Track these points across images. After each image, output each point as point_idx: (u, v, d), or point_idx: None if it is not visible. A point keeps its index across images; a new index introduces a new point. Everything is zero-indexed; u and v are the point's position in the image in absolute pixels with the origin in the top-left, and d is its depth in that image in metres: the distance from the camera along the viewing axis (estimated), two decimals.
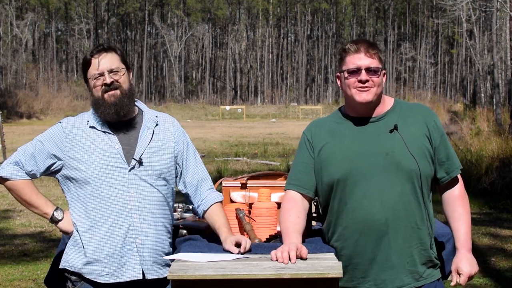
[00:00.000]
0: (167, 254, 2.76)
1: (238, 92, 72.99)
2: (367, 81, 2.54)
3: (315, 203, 2.92)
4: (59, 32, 72.10)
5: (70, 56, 70.38)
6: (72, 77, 64.68)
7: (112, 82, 2.68)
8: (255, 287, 2.23)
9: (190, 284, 2.22)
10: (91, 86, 2.71)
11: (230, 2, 73.41)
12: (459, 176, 2.65)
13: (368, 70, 2.55)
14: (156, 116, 2.82)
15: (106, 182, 2.65)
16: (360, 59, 2.55)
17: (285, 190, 2.71)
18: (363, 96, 2.55)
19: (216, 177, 10.98)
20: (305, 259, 2.36)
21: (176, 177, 2.84)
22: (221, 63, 77.08)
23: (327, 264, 2.30)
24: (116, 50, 2.75)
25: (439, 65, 71.18)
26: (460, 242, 2.59)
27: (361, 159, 2.54)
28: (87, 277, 2.69)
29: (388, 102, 2.66)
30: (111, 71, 2.68)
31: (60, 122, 2.78)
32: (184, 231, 2.94)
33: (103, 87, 2.68)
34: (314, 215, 2.98)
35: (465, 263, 2.56)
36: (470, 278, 2.58)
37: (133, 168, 2.68)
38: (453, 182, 2.63)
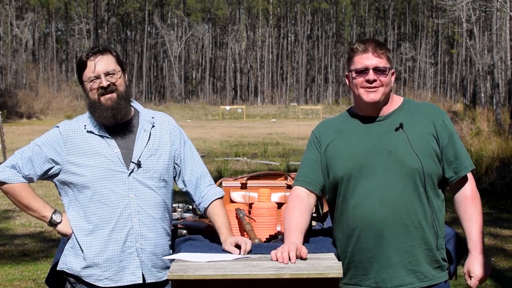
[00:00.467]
0: None
1: (238, 92, 72.98)
2: (374, 80, 2.54)
3: (315, 204, 2.91)
4: (59, 32, 72.10)
5: (70, 56, 70.36)
6: (72, 77, 64.59)
7: (108, 85, 2.65)
8: (255, 287, 2.23)
9: (190, 284, 2.22)
10: (87, 89, 2.68)
11: (230, 2, 73.41)
12: (470, 176, 2.62)
13: (376, 69, 2.55)
14: (152, 117, 2.80)
15: (106, 187, 2.64)
16: (368, 59, 2.55)
17: (292, 187, 2.71)
18: (371, 96, 2.56)
19: (216, 177, 10.96)
20: (305, 259, 2.36)
21: (175, 176, 2.84)
22: (221, 63, 77.07)
23: (327, 264, 2.30)
24: (111, 52, 2.72)
25: (439, 65, 71.18)
26: (472, 244, 2.57)
27: (365, 157, 2.55)
28: (86, 280, 2.68)
29: (396, 101, 2.66)
30: (107, 74, 2.66)
31: (57, 127, 2.75)
32: (184, 231, 2.94)
33: (99, 90, 2.65)
34: (314, 215, 2.98)
35: (477, 266, 2.54)
36: (482, 281, 2.56)
37: (132, 171, 2.67)
38: (463, 182, 2.61)
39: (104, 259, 2.66)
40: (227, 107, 55.76)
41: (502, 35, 33.05)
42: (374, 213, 2.51)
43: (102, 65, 2.66)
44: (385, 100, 2.61)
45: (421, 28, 72.72)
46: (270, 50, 73.63)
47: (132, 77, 63.97)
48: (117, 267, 2.66)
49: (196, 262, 2.35)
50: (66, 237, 2.75)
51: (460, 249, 2.79)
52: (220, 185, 3.12)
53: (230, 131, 31.99)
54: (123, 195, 2.65)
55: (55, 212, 2.73)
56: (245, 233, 2.79)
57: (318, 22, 74.98)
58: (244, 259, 2.41)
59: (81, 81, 2.73)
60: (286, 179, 3.21)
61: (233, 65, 74.25)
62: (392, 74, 2.61)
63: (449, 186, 2.64)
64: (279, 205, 2.98)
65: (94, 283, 2.67)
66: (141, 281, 2.69)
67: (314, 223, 2.99)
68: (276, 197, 3.03)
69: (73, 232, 2.71)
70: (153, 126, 2.77)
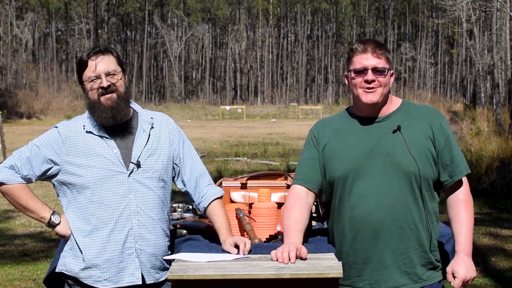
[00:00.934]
0: None
1: (238, 92, 72.98)
2: (373, 81, 2.55)
3: (315, 203, 2.92)
4: (59, 32, 72.10)
5: (70, 56, 70.35)
6: (72, 77, 64.58)
7: (109, 86, 2.64)
8: (255, 287, 2.23)
9: (190, 284, 2.22)
10: (87, 89, 2.67)
11: (230, 2, 73.40)
12: (464, 180, 2.62)
13: (375, 70, 2.55)
14: (151, 118, 2.79)
15: (105, 188, 2.63)
16: (367, 59, 2.56)
17: (291, 186, 2.71)
18: (369, 97, 2.56)
19: (216, 177, 10.96)
20: (305, 259, 2.36)
21: (174, 176, 2.83)
22: (221, 63, 77.07)
23: (327, 264, 2.30)
24: (113, 52, 2.70)
25: (439, 65, 71.18)
26: (460, 246, 2.58)
27: (363, 158, 2.55)
28: (85, 282, 2.67)
29: (395, 103, 2.67)
30: (108, 74, 2.64)
31: (56, 127, 2.72)
32: (184, 231, 2.94)
33: (100, 90, 2.64)
34: (314, 215, 2.98)
35: (461, 267, 2.55)
36: (466, 283, 2.56)
37: (132, 172, 2.66)
38: (457, 186, 2.61)
39: (104, 260, 2.65)
40: (227, 107, 55.77)
41: (502, 35, 33.05)
42: (370, 214, 2.52)
43: (103, 65, 2.64)
44: (384, 101, 2.61)
45: (421, 28, 72.72)
46: (270, 50, 73.63)
47: (132, 77, 63.95)
48: (116, 268, 2.66)
49: (196, 262, 2.35)
50: (64, 238, 2.73)
51: None
52: (220, 185, 3.11)
53: (230, 131, 31.99)
54: (123, 196, 2.65)
55: (53, 213, 2.71)
56: (245, 233, 2.79)
57: (318, 22, 74.99)
58: (244, 259, 2.41)
59: (80, 81, 2.71)
60: (286, 179, 3.20)
61: (233, 65, 74.25)
62: (391, 75, 2.62)
63: (444, 189, 2.65)
64: (279, 205, 2.98)
65: (93, 285, 2.66)
66: (140, 282, 2.68)
67: (314, 223, 2.99)
68: (276, 197, 3.03)
69: (71, 233, 2.69)
70: (152, 127, 2.76)
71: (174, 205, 3.28)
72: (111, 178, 2.64)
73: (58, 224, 2.70)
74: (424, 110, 2.68)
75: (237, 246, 2.50)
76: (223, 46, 77.16)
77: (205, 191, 2.80)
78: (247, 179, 3.14)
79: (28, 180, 2.70)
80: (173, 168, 2.81)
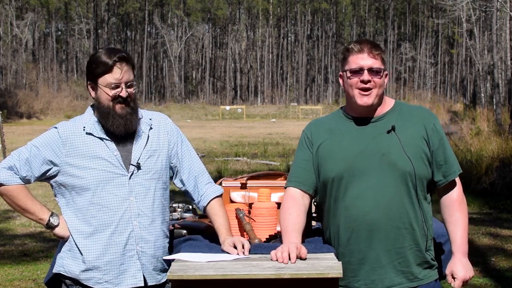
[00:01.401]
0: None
1: (238, 92, 72.98)
2: (369, 81, 2.55)
3: (315, 203, 2.92)
4: (59, 32, 72.09)
5: (70, 56, 70.39)
6: (72, 77, 64.70)
7: (127, 97, 2.62)
8: (255, 287, 2.23)
9: (190, 284, 2.22)
10: (102, 93, 2.61)
11: (230, 2, 73.40)
12: (457, 180, 2.65)
13: (371, 70, 2.55)
14: (150, 119, 2.78)
15: (106, 190, 2.62)
16: (363, 59, 2.56)
17: (285, 188, 2.71)
18: (364, 100, 2.56)
19: (216, 177, 10.97)
20: (305, 259, 2.36)
21: (172, 176, 2.83)
22: (221, 63, 77.07)
23: (327, 264, 2.31)
24: (132, 61, 2.67)
25: (439, 65, 71.17)
26: (456, 247, 2.60)
27: (358, 158, 2.56)
28: (85, 283, 2.66)
29: (388, 103, 2.67)
30: (128, 85, 2.62)
31: (56, 128, 2.69)
32: (184, 231, 2.94)
33: (118, 98, 2.60)
34: (314, 215, 2.97)
35: (459, 268, 2.57)
36: (465, 282, 2.59)
37: (132, 174, 2.66)
38: (451, 186, 2.63)
39: (105, 262, 2.64)
40: (227, 107, 55.77)
41: (502, 35, 33.05)
42: (366, 214, 2.52)
43: (126, 75, 2.61)
44: (379, 101, 2.62)
45: (421, 28, 72.71)
46: (270, 50, 73.63)
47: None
48: (117, 270, 2.65)
49: (196, 262, 2.35)
50: (63, 239, 2.72)
51: None
52: (220, 185, 3.11)
53: (230, 131, 31.99)
54: (124, 198, 2.64)
55: (52, 214, 2.69)
56: (245, 233, 2.79)
57: (318, 22, 74.98)
58: (244, 259, 2.41)
59: (92, 79, 2.64)
60: (286, 179, 3.20)
61: (233, 65, 74.25)
62: (386, 75, 2.62)
63: (437, 189, 2.66)
64: (279, 205, 2.97)
65: (93, 286, 2.66)
66: (142, 284, 2.68)
67: (314, 223, 2.99)
68: (276, 197, 3.03)
69: (70, 235, 2.68)
70: (150, 128, 2.76)
71: (174, 205, 3.28)
72: (112, 180, 2.63)
73: (57, 225, 2.69)
74: (417, 110, 2.69)
75: (236, 247, 2.50)
76: (223, 46, 77.16)
77: (204, 189, 2.79)
78: (247, 179, 3.14)
79: (26, 181, 2.67)
80: (171, 167, 2.80)
